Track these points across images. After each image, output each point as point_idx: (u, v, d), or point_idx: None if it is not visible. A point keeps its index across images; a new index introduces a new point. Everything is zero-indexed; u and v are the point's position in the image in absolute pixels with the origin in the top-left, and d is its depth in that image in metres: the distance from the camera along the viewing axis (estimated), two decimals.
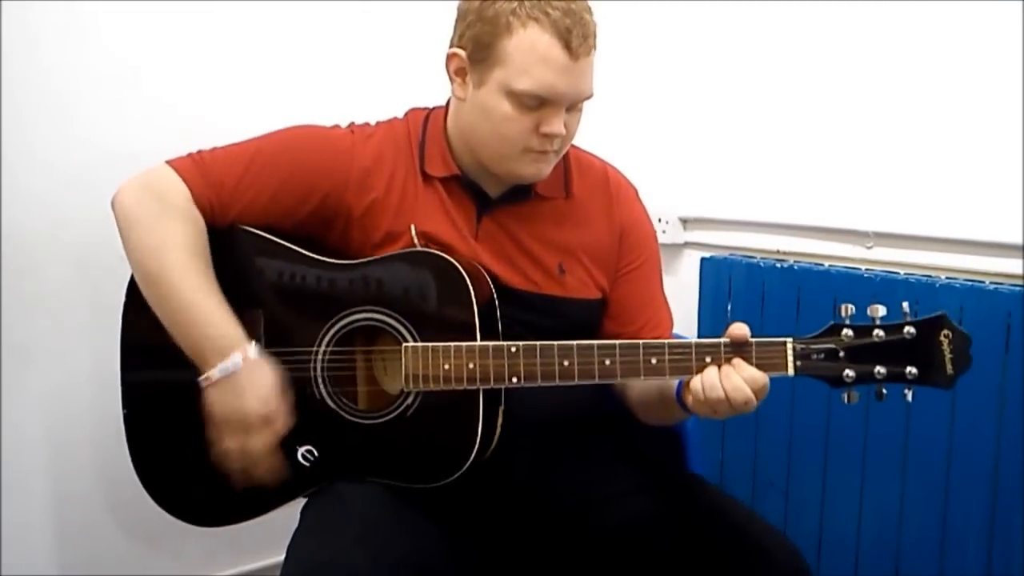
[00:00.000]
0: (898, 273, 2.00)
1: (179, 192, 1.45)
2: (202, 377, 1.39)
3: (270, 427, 1.38)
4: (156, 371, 1.52)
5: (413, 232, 1.47)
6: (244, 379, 1.37)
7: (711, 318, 2.29)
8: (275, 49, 2.10)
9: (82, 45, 1.89)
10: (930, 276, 1.96)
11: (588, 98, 1.44)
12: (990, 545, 1.86)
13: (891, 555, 2.00)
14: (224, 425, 1.39)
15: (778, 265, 2.18)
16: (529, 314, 1.49)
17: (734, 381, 1.28)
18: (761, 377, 1.29)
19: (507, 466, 1.46)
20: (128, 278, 1.50)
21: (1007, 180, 1.87)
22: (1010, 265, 1.87)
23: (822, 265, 2.13)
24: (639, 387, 1.51)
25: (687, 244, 2.44)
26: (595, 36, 1.40)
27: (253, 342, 1.39)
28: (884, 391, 1.29)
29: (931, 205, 1.99)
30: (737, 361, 1.30)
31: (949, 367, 1.27)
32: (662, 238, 2.31)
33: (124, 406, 1.53)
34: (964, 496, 1.89)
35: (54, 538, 1.97)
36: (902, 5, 1.99)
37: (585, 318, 1.55)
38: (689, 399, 1.33)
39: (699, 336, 2.26)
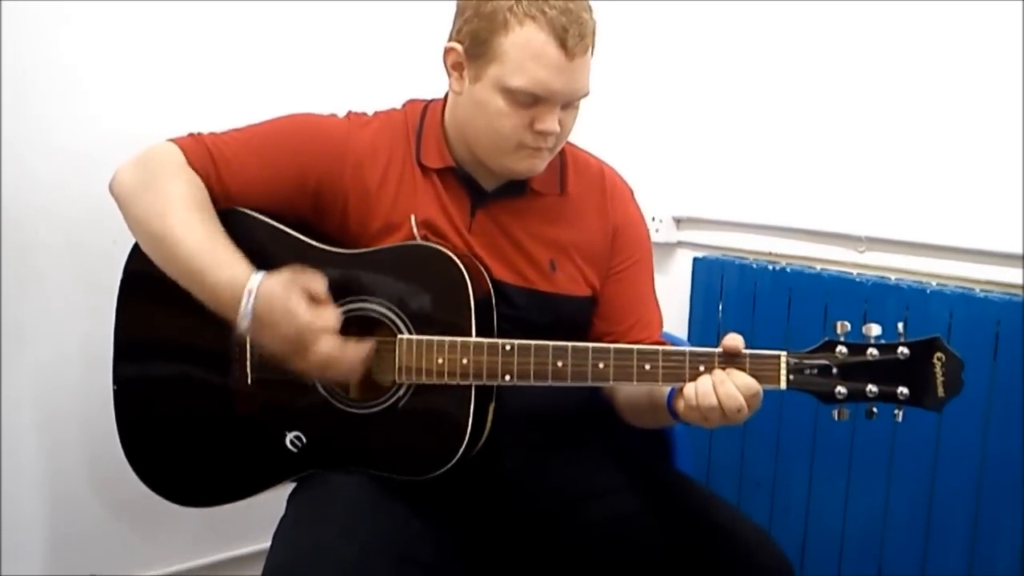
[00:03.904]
0: (889, 278, 2.01)
1: (175, 157, 1.45)
2: (237, 332, 1.36)
3: (318, 330, 1.33)
4: (148, 351, 1.53)
5: (413, 223, 1.47)
6: (264, 312, 1.33)
7: (702, 318, 2.30)
8: (279, 37, 2.10)
9: (85, 27, 1.88)
10: (921, 282, 1.97)
11: (584, 96, 1.44)
12: (973, 546, 1.88)
13: (875, 556, 2.01)
14: (284, 358, 1.36)
15: (770, 267, 2.18)
16: (518, 309, 1.49)
17: (728, 388, 1.28)
18: (755, 384, 1.29)
19: (496, 460, 1.47)
20: (124, 259, 1.51)
21: (1000, 189, 1.87)
22: (1000, 273, 1.89)
23: (814, 268, 2.14)
24: (628, 390, 1.52)
25: (680, 243, 2.45)
26: (593, 35, 1.40)
27: (256, 273, 1.35)
28: (875, 410, 1.30)
29: (924, 211, 2.00)
30: (731, 369, 1.30)
31: (940, 390, 1.27)
32: (655, 237, 2.32)
33: (114, 383, 1.53)
34: (949, 498, 1.91)
35: (42, 519, 1.97)
36: (896, 9, 2.00)
37: (574, 315, 1.55)
38: (680, 406, 1.33)
39: (690, 336, 2.28)
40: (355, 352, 1.37)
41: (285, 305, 1.33)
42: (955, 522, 1.90)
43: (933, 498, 1.92)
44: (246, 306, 1.33)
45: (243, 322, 1.34)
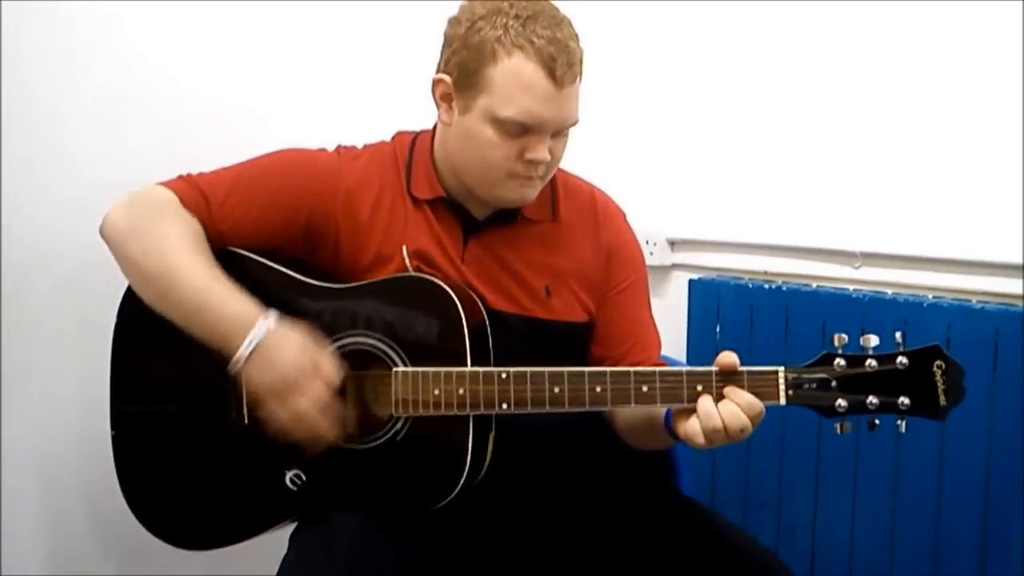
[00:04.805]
0: (886, 293, 2.01)
1: (168, 199, 1.46)
2: (232, 361, 1.36)
3: (314, 380, 1.35)
4: (146, 394, 1.53)
5: (405, 254, 1.47)
6: (271, 345, 1.35)
7: (700, 340, 2.29)
8: (264, 78, 2.11)
9: (74, 74, 1.90)
10: (918, 295, 1.96)
11: (573, 125, 1.44)
12: (983, 561, 1.86)
13: (884, 572, 1.99)
14: (269, 398, 1.37)
15: (766, 286, 2.18)
16: (514, 336, 1.49)
17: (731, 408, 1.27)
18: (757, 403, 1.28)
19: (498, 491, 1.46)
20: (118, 303, 1.51)
21: (994, 200, 1.88)
22: (997, 284, 1.88)
23: (810, 286, 2.13)
24: (627, 413, 1.51)
25: (675, 266, 2.44)
26: (581, 63, 1.41)
27: (271, 310, 1.38)
28: (877, 422, 1.29)
29: (918, 224, 2.00)
30: (731, 389, 1.29)
31: (942, 398, 1.26)
32: (650, 260, 2.31)
33: (113, 428, 1.53)
34: (955, 513, 1.89)
35: (40, 559, 1.97)
36: (887, 27, 2.01)
37: (571, 341, 1.55)
38: (681, 430, 1.32)
39: (688, 358, 2.27)
40: (330, 416, 1.37)
41: (300, 341, 1.36)
42: (963, 535, 1.88)
43: (940, 511, 1.91)
44: (256, 334, 1.34)
45: (245, 351, 1.34)
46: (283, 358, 1.35)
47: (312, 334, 1.38)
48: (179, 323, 1.41)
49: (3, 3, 1.80)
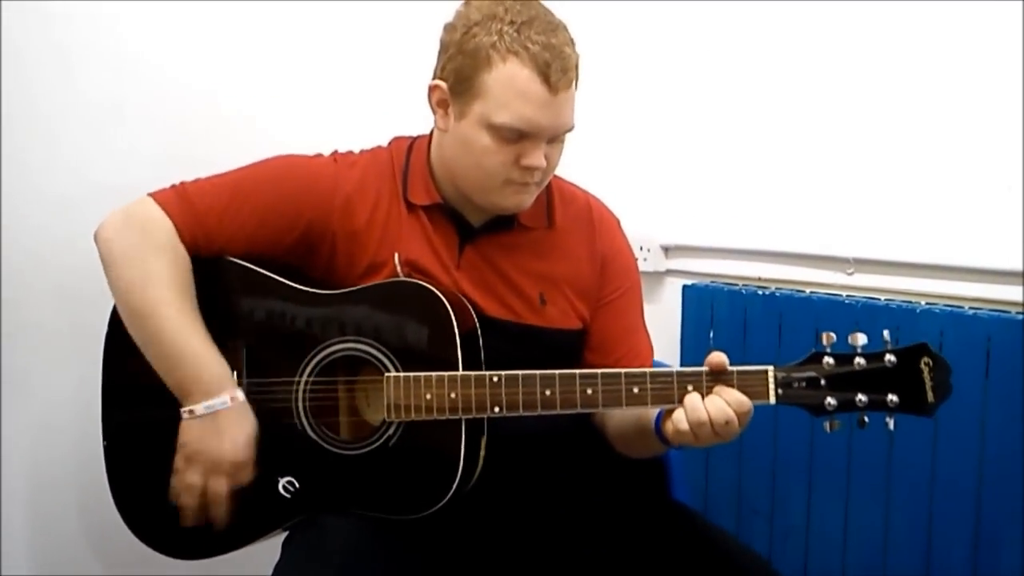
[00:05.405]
0: (879, 299, 2.01)
1: (162, 226, 1.45)
2: (185, 408, 1.39)
3: (236, 475, 1.40)
4: (137, 404, 1.52)
5: (396, 261, 1.47)
6: (226, 421, 1.39)
7: (694, 346, 2.29)
8: (262, 81, 2.12)
9: (73, 76, 1.91)
10: (910, 302, 1.96)
11: (569, 131, 1.44)
12: (975, 567, 1.86)
13: None
14: (194, 460, 1.41)
15: (760, 292, 2.18)
16: (509, 344, 1.49)
17: (717, 402, 1.28)
18: (746, 401, 1.29)
19: (491, 495, 1.46)
20: (110, 310, 1.51)
21: (988, 206, 1.88)
22: (990, 290, 1.88)
23: (804, 292, 2.14)
24: (617, 419, 1.51)
25: (669, 272, 2.44)
26: (576, 69, 1.41)
27: (240, 388, 1.41)
28: (866, 419, 1.29)
29: (911, 231, 2.00)
30: (721, 388, 1.30)
31: (930, 395, 1.27)
32: (644, 266, 2.31)
33: (104, 437, 1.52)
34: (948, 519, 1.89)
35: (32, 563, 1.97)
36: (880, 31, 2.01)
37: (565, 348, 1.55)
38: (669, 428, 1.32)
39: (682, 364, 2.26)
40: (225, 507, 1.42)
41: (249, 433, 1.40)
42: (956, 541, 1.88)
43: (932, 517, 1.91)
44: (218, 402, 1.38)
45: (202, 410, 1.39)
46: (228, 438, 1.39)
47: (258, 432, 1.42)
48: (151, 362, 1.43)
49: (3, 3, 1.80)
